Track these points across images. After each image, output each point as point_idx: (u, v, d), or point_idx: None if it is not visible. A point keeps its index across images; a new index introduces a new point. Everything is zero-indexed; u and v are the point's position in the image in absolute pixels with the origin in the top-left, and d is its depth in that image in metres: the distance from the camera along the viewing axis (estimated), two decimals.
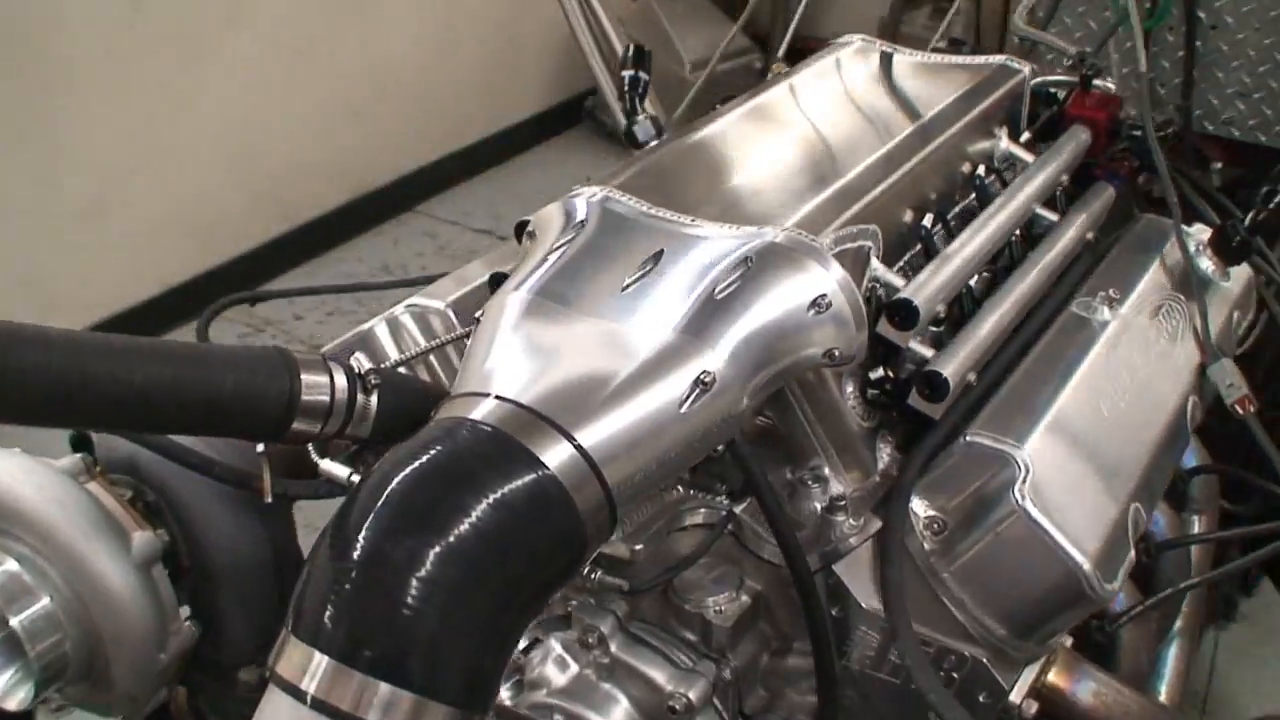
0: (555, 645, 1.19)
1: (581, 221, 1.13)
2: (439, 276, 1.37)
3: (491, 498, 0.84)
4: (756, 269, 1.05)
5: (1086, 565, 1.05)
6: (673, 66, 4.24)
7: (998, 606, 1.09)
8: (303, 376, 0.99)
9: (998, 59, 1.50)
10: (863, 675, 1.15)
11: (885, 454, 1.20)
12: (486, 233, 4.26)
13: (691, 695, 1.13)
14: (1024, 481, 1.07)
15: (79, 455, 1.20)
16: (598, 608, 1.18)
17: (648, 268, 1.06)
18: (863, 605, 1.13)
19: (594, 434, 0.90)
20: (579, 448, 0.89)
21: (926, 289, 1.17)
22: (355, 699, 0.77)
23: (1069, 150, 1.46)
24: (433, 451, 0.87)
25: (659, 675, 1.15)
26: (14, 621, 1.12)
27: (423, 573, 0.80)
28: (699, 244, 1.08)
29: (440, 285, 1.34)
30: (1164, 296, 1.37)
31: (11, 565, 1.13)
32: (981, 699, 1.11)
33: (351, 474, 1.10)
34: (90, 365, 0.85)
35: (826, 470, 1.17)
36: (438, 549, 0.81)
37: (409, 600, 0.79)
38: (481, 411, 0.90)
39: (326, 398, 1.01)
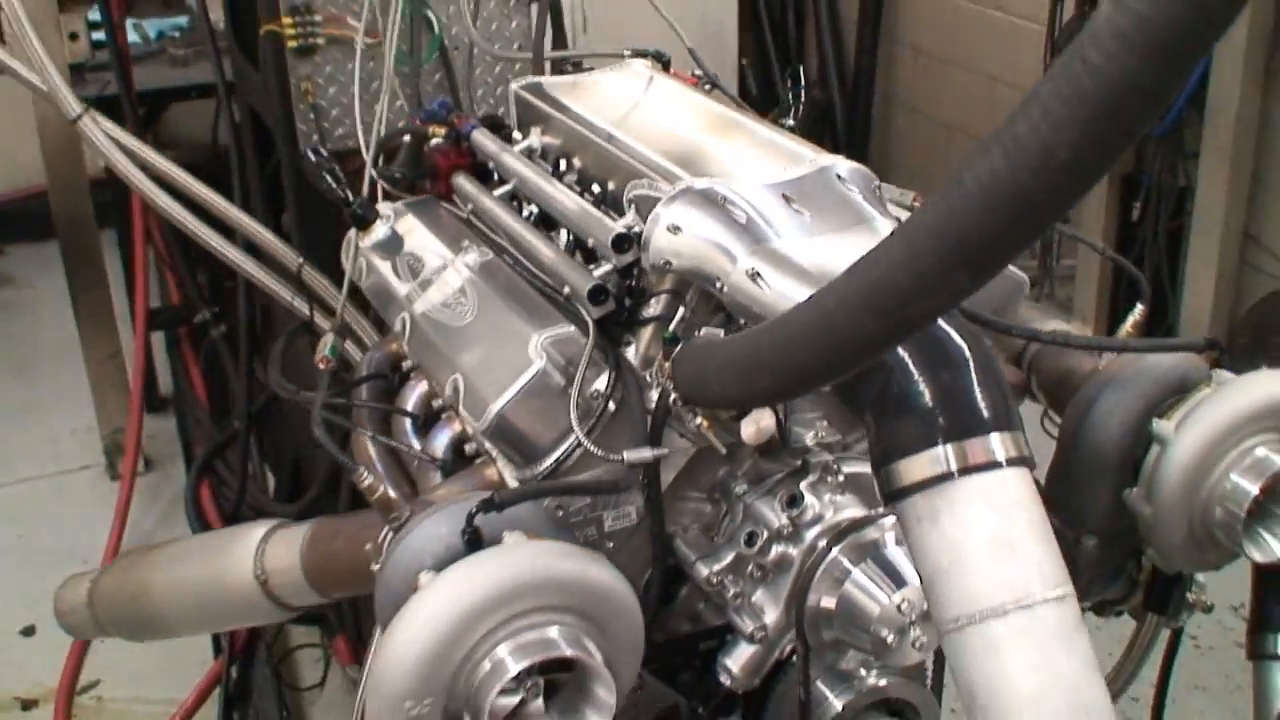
0: (810, 496, 1.62)
1: (728, 204, 1.55)
2: None
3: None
4: (852, 180, 1.61)
5: (1024, 274, 1.77)
6: None
7: None
8: None
9: (635, 61, 2.06)
10: None
11: None
12: None
13: None
14: None
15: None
16: (793, 473, 1.65)
17: (806, 206, 1.56)
18: None
19: None
20: None
21: None
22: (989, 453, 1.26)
23: None
24: None
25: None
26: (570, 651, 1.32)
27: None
28: (813, 179, 1.60)
29: (530, 324, 1.62)
30: None
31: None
32: None
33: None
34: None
35: None
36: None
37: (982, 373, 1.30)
38: None
39: None
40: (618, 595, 1.37)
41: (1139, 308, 1.83)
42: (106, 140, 2.42)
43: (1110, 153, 0.84)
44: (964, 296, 1.02)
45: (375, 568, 1.48)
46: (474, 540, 1.37)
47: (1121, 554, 1.74)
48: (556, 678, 1.35)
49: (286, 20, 2.77)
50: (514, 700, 1.32)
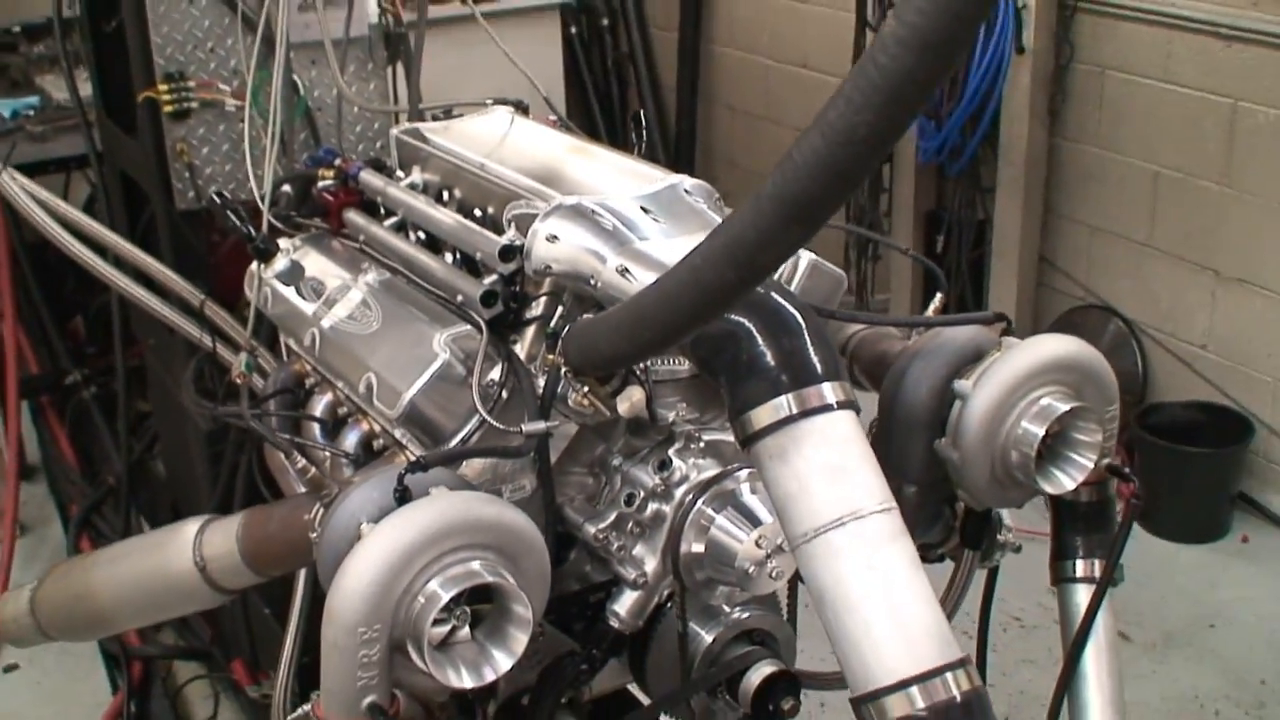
0: (677, 460, 1.91)
1: (595, 215, 1.85)
2: None
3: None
4: (696, 193, 1.93)
5: (841, 273, 2.09)
6: None
7: None
8: None
9: (499, 108, 2.35)
10: None
11: None
12: None
13: None
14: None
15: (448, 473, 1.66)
16: (660, 444, 1.93)
17: (661, 215, 1.86)
18: None
19: None
20: None
21: None
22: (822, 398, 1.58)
23: None
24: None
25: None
26: (490, 578, 1.57)
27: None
28: (665, 193, 1.90)
29: (432, 326, 1.89)
30: None
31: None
32: None
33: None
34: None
35: None
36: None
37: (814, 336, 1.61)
38: None
39: None
40: (528, 535, 1.64)
41: (939, 296, 2.17)
42: (24, 194, 2.64)
43: (897, 127, 1.15)
44: (800, 245, 1.32)
45: (314, 535, 1.72)
46: (404, 497, 1.62)
47: (938, 500, 2.06)
48: (481, 609, 1.61)
49: (162, 87, 3.01)
50: (446, 629, 1.58)
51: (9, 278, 4.21)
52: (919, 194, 5.57)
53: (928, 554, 2.18)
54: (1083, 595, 2.09)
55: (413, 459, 1.67)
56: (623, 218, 1.85)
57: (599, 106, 7.16)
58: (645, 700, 2.07)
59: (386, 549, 1.54)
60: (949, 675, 1.45)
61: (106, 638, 3.88)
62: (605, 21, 7.22)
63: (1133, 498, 2.03)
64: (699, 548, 1.86)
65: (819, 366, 1.57)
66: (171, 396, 3.48)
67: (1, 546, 4.21)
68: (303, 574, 2.37)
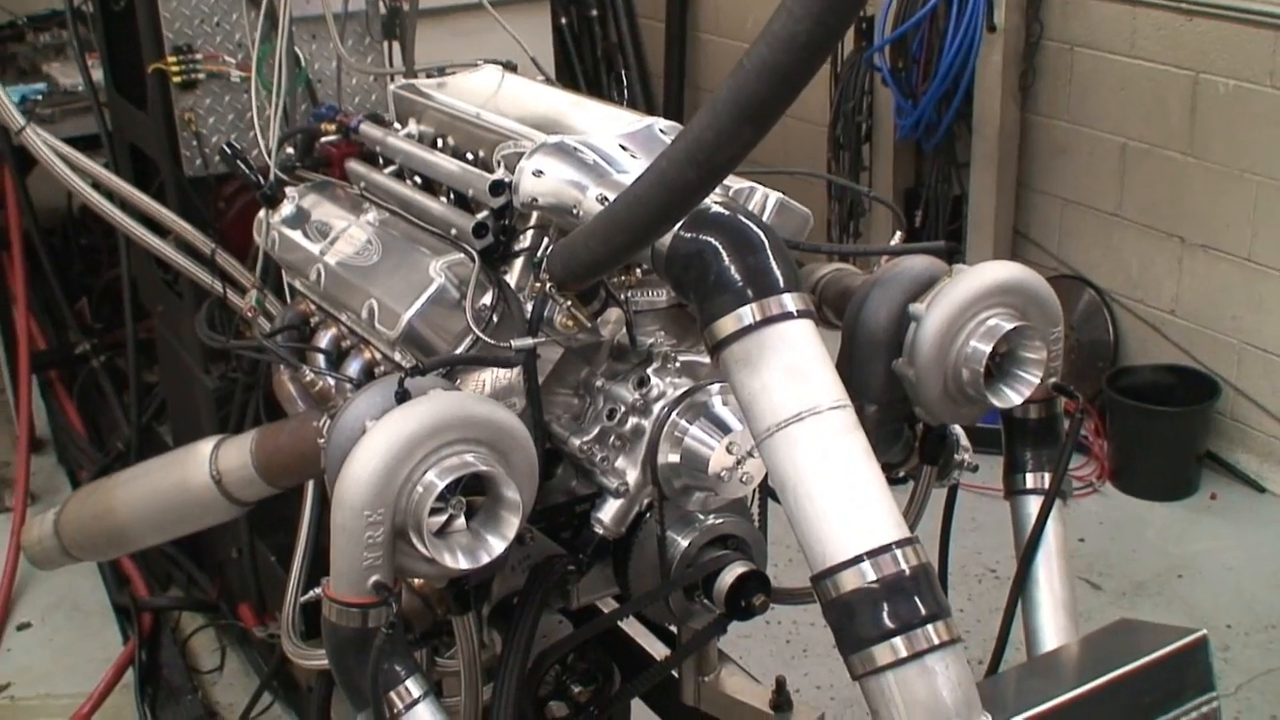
0: (655, 378, 2.08)
1: (577, 152, 2.02)
2: None
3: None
4: (670, 134, 2.10)
5: (807, 211, 2.26)
6: None
7: None
8: None
9: (489, 67, 2.53)
10: None
11: None
12: None
13: None
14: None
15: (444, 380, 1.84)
16: (639, 365, 2.10)
17: (638, 152, 2.03)
18: None
19: None
20: None
21: None
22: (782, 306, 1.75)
23: None
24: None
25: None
26: (483, 467, 1.74)
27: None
28: (642, 133, 2.08)
29: (429, 255, 2.07)
30: None
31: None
32: None
33: None
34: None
35: None
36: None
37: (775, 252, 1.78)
38: None
39: None
40: (517, 432, 1.80)
41: (899, 234, 2.34)
42: (47, 149, 2.82)
43: (832, 33, 1.33)
44: (753, 144, 1.49)
45: (322, 441, 1.89)
46: (404, 398, 1.79)
47: (897, 419, 2.22)
48: (475, 500, 1.78)
49: (171, 59, 3.18)
50: (443, 517, 1.75)
51: (22, 260, 4.39)
52: (898, 171, 5.74)
53: (890, 474, 2.34)
54: (1033, 506, 2.25)
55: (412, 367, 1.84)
56: (603, 154, 2.02)
57: (589, 95, 7.32)
58: None
59: (390, 439, 1.70)
60: (898, 551, 1.60)
61: (117, 592, 4.07)
62: (594, 12, 7.38)
63: (1076, 412, 2.21)
64: (675, 457, 2.03)
65: (780, 279, 1.74)
66: (180, 360, 3.65)
67: (13, 514, 4.39)
68: (309, 497, 2.52)
